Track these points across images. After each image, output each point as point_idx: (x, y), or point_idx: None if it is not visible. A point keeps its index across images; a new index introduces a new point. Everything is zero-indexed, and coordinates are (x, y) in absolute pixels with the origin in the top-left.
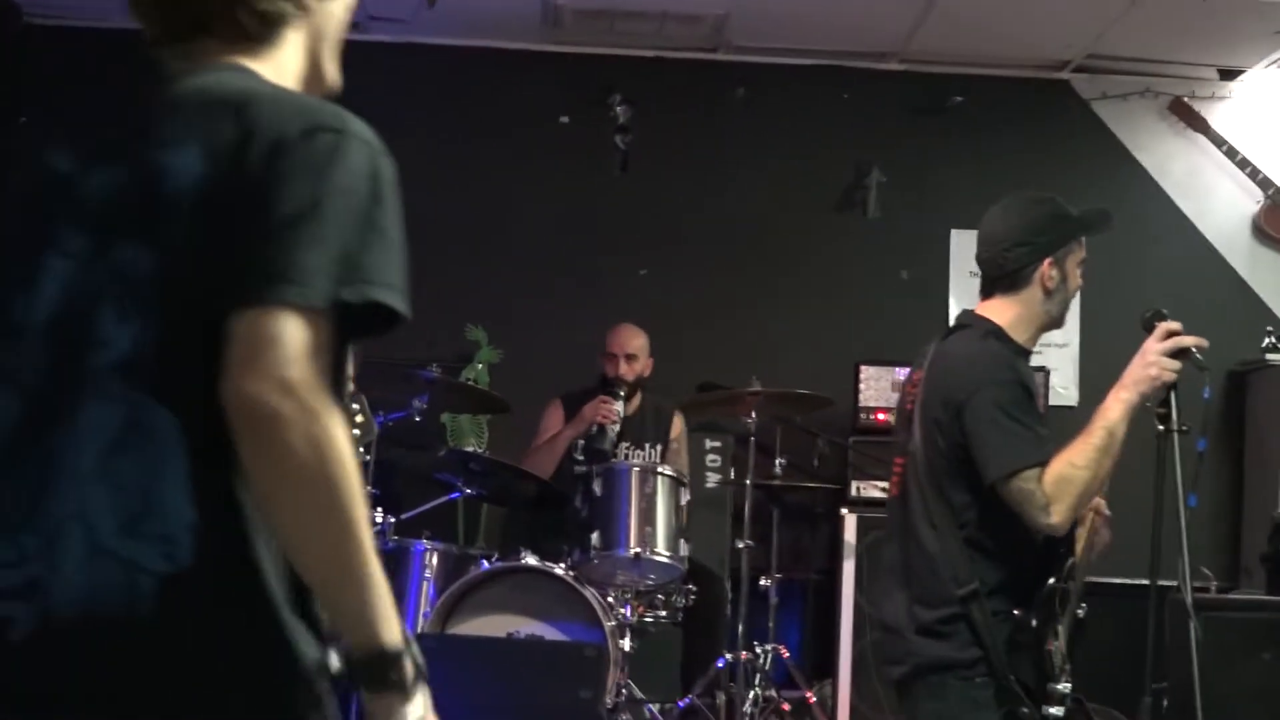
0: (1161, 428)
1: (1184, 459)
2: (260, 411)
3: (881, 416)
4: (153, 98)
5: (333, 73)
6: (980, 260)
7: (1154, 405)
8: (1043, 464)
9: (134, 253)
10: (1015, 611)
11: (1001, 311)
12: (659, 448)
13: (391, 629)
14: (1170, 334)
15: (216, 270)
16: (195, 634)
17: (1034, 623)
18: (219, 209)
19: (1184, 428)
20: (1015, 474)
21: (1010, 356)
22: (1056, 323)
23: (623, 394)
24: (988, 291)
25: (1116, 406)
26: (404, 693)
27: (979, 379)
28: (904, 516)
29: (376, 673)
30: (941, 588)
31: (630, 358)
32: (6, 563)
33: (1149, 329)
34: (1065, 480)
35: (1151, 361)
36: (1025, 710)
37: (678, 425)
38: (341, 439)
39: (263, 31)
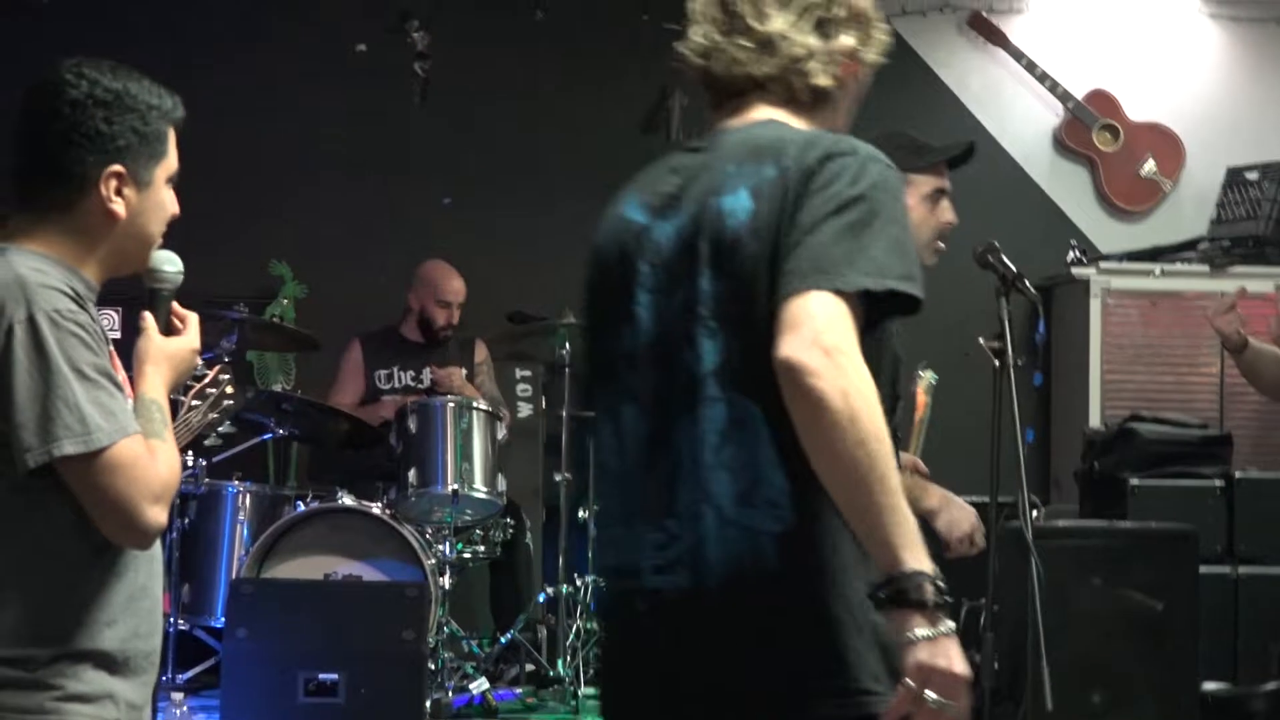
0: (997, 362)
1: (1020, 392)
2: (800, 368)
3: None
4: (707, 153)
5: (847, 119)
6: None
7: (989, 339)
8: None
9: (708, 280)
10: None
11: None
12: (463, 371)
13: (913, 554)
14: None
15: (772, 283)
16: (810, 581)
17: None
18: (768, 234)
19: (1019, 361)
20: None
21: None
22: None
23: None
24: None
25: None
26: (921, 611)
27: None
28: None
29: (896, 591)
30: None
31: (460, 304)
32: (660, 544)
33: (983, 263)
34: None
35: None
36: None
37: (481, 351)
38: (868, 392)
39: (811, 100)
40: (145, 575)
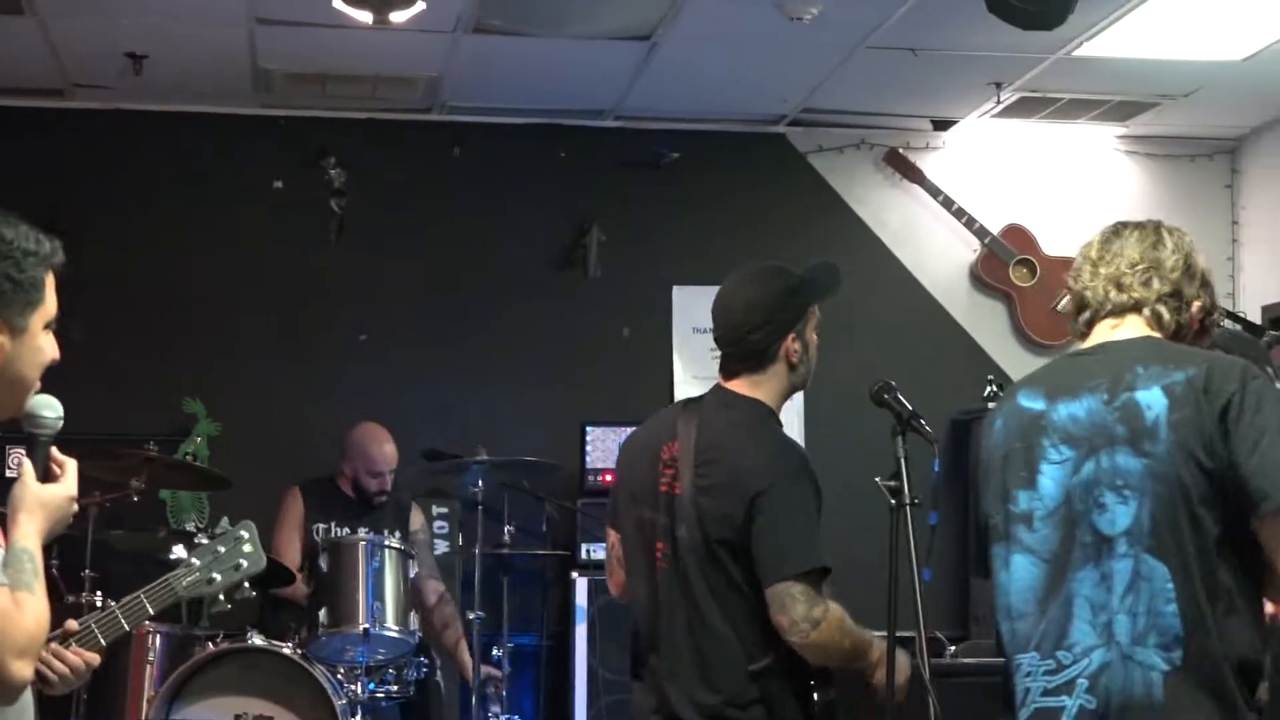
0: (893, 501)
1: (916, 532)
2: None
3: (608, 478)
4: (1112, 357)
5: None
6: (722, 341)
7: (885, 479)
8: (827, 570)
9: (1123, 456)
10: (811, 683)
11: (757, 388)
12: (397, 534)
13: None
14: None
15: (1199, 467)
16: (1190, 714)
17: (831, 696)
18: (1185, 428)
19: (915, 500)
20: (800, 575)
21: (802, 451)
22: (801, 387)
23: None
24: (732, 371)
25: None
26: None
27: (783, 470)
28: (684, 602)
29: None
30: (734, 669)
31: (393, 470)
32: (1051, 670)
33: (879, 402)
34: (842, 628)
35: None
36: None
37: (416, 519)
38: None
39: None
40: (17, 717)
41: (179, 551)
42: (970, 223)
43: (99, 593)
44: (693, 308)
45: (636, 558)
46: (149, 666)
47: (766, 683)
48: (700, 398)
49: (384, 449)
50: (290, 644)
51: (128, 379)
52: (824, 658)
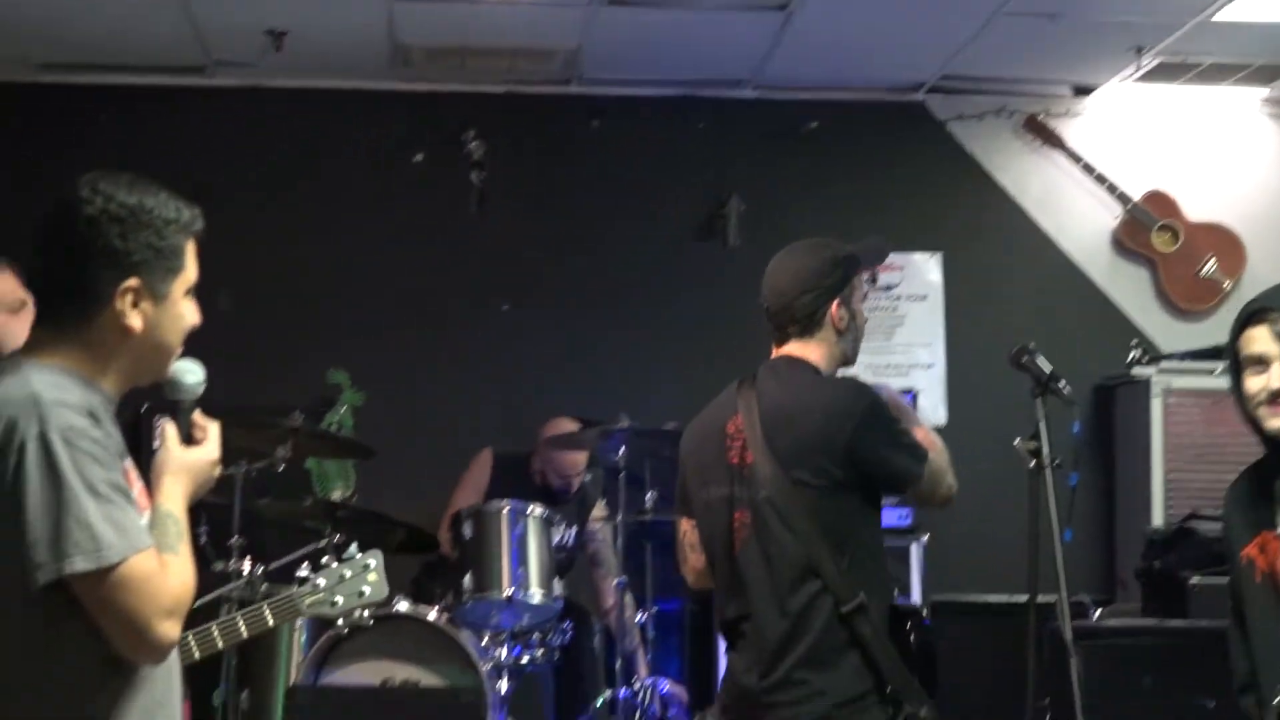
0: (1033, 463)
1: (1058, 493)
2: None
3: None
4: None
5: None
6: (769, 312)
7: (1025, 441)
8: (929, 449)
9: None
10: (908, 624)
11: (807, 353)
12: (574, 529)
13: None
14: None
15: None
16: None
17: (928, 636)
18: None
19: (1056, 462)
20: (925, 460)
21: (853, 379)
22: (851, 359)
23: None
24: (783, 338)
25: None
26: None
27: (861, 408)
28: (768, 569)
29: None
30: (825, 617)
31: (579, 474)
32: None
33: (1018, 365)
34: (944, 451)
35: None
36: (927, 713)
37: (598, 513)
38: None
39: None
40: (163, 688)
41: (304, 571)
42: (1112, 189)
43: (247, 560)
44: None
45: (713, 537)
46: (297, 632)
47: (859, 623)
48: (753, 373)
49: (573, 457)
50: (436, 609)
51: (273, 350)
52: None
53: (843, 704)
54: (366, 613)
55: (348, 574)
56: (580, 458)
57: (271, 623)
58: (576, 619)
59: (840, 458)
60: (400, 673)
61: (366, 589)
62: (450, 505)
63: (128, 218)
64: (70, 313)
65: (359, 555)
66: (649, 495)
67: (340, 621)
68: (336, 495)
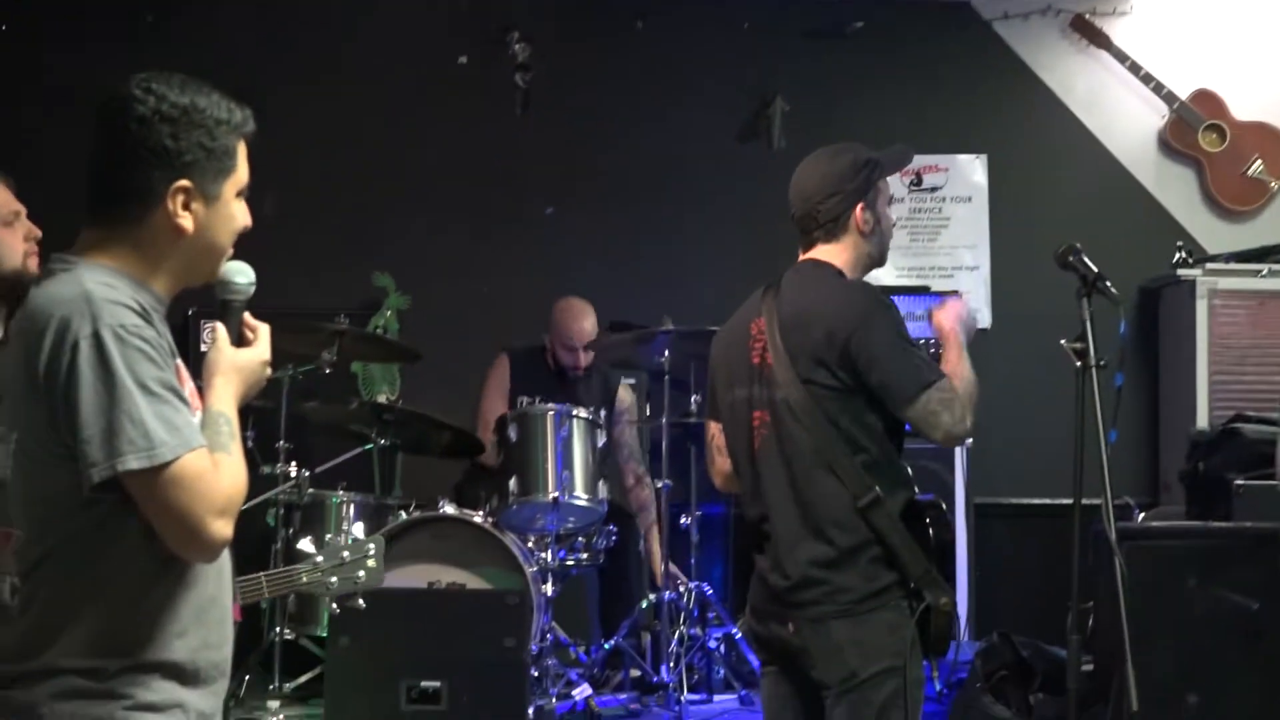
0: (1079, 363)
1: (1103, 394)
2: None
3: None
4: None
5: None
6: (795, 217)
7: (1070, 341)
8: (945, 378)
9: None
10: (927, 520)
11: (832, 256)
12: (602, 412)
13: None
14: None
15: None
16: None
17: (946, 536)
18: None
19: (1101, 362)
20: (928, 387)
21: (876, 289)
22: (879, 262)
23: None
24: (809, 242)
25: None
26: None
27: (863, 310)
28: (785, 467)
29: None
30: (845, 517)
31: (589, 346)
32: None
33: (1064, 264)
34: (969, 394)
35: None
36: (947, 600)
37: (625, 397)
38: None
39: None
40: (215, 586)
41: (307, 545)
42: (1158, 88)
43: (293, 464)
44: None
45: (736, 438)
46: (344, 536)
47: (876, 516)
48: (780, 277)
49: (579, 324)
50: (481, 513)
51: (318, 254)
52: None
53: (864, 598)
54: (361, 601)
55: (347, 555)
56: (587, 326)
57: (267, 595)
58: (621, 522)
59: (839, 359)
60: (446, 575)
61: (362, 574)
62: (478, 414)
63: (180, 118)
64: (121, 214)
65: (362, 539)
66: (693, 398)
67: (334, 606)
68: (382, 398)
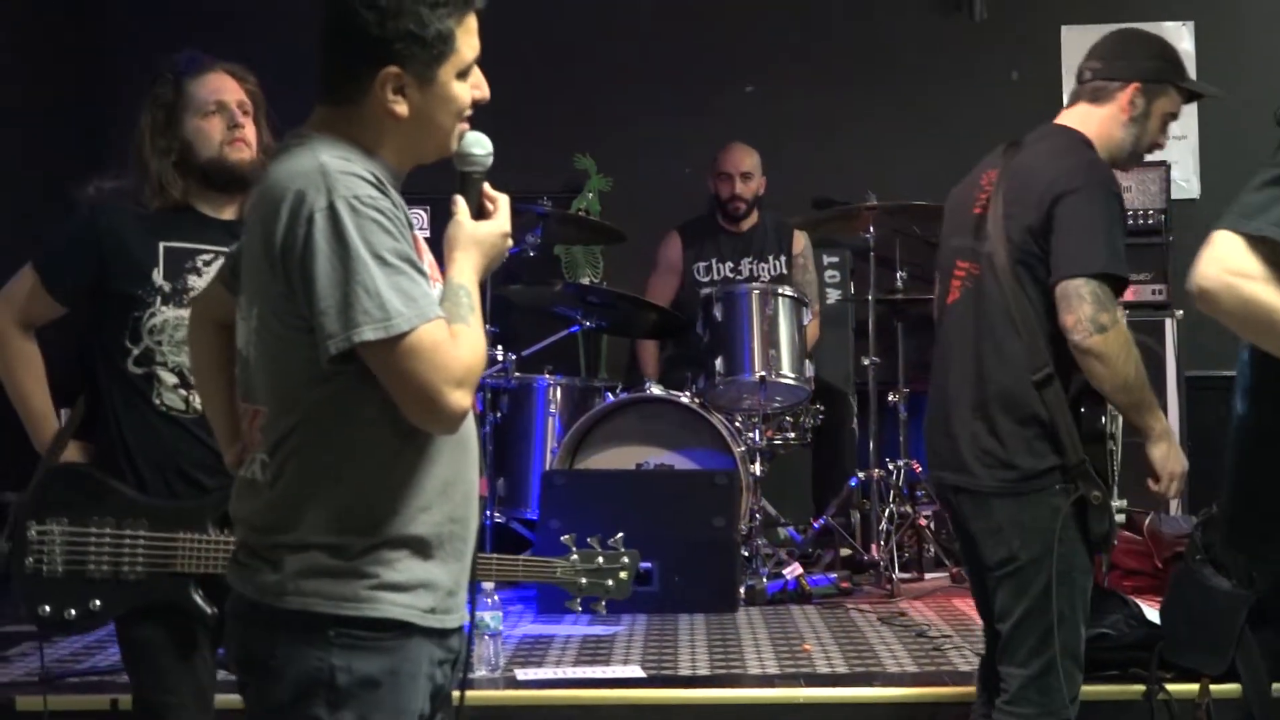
0: None
1: None
2: None
3: None
4: None
5: None
6: (1078, 72)
7: None
8: (1122, 282)
9: None
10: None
11: (1085, 123)
12: (782, 259)
13: None
14: None
15: None
16: None
17: (1099, 425)
18: None
19: None
20: (1093, 277)
21: (1109, 171)
22: (1127, 158)
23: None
24: (1073, 99)
25: None
26: None
27: (1085, 179)
28: (974, 322)
29: None
30: (1019, 389)
31: (745, 176)
32: None
33: None
34: (1129, 350)
35: None
36: (1098, 494)
37: (800, 241)
38: None
39: None
40: (458, 460)
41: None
42: None
43: (499, 347)
44: (1082, 49)
45: (940, 286)
46: (551, 419)
47: (1048, 394)
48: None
49: (731, 153)
50: (688, 393)
51: (519, 138)
52: (1103, 374)
53: (1028, 477)
54: (604, 607)
55: (600, 562)
56: (740, 155)
57: (522, 578)
58: (829, 401)
59: (1043, 221)
60: (654, 456)
61: (611, 583)
62: (647, 293)
63: (385, 5)
64: (340, 96)
65: (618, 551)
66: (899, 275)
67: (579, 605)
68: (585, 280)
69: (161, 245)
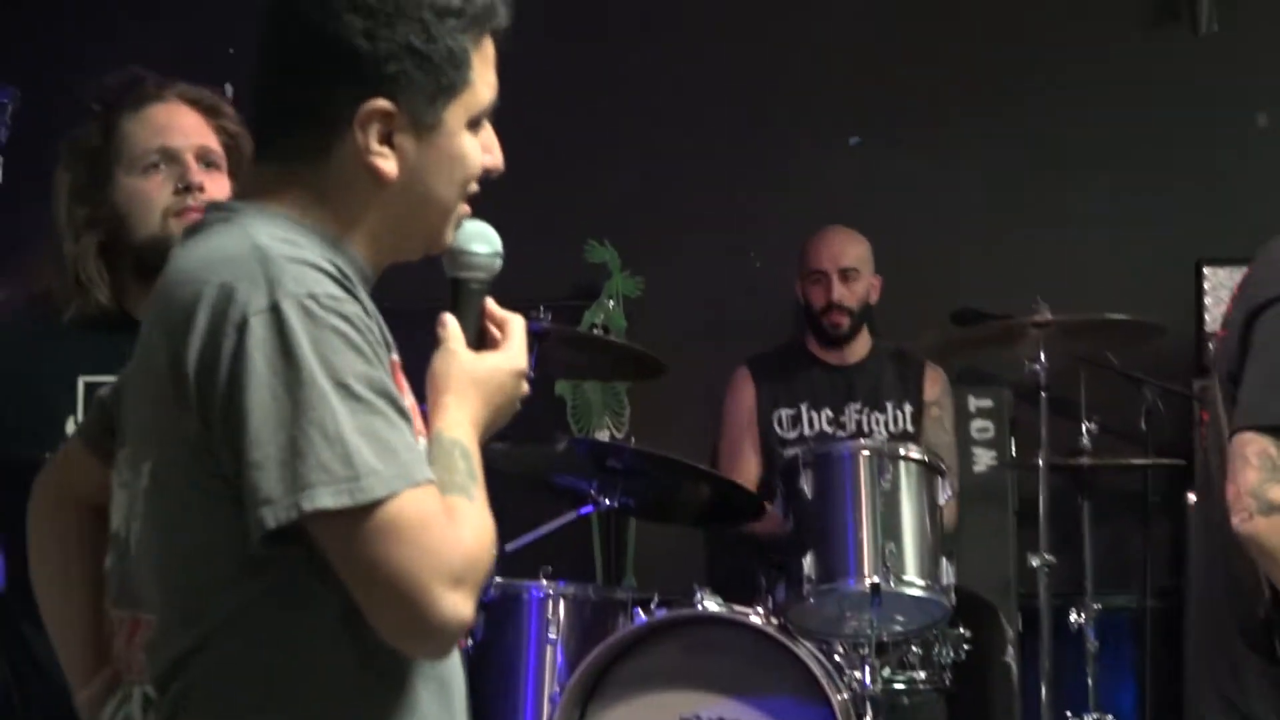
0: None
1: None
2: None
3: None
4: None
5: None
6: None
7: None
8: None
9: None
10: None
11: None
12: (907, 406)
13: None
14: None
15: None
16: None
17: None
18: None
19: None
20: (1271, 430)
21: None
22: None
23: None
24: None
25: None
26: None
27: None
28: (1207, 508)
29: None
30: (1248, 606)
31: (847, 274)
32: None
33: None
34: None
35: None
36: None
37: (934, 380)
38: None
39: None
40: (440, 699)
41: None
42: None
43: None
44: None
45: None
46: (550, 648)
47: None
48: None
49: (827, 241)
50: (760, 610)
51: (505, 213)
52: (1266, 562)
53: None
54: None
55: None
56: (840, 245)
57: None
58: (977, 622)
59: (1236, 353)
60: (708, 708)
61: None
62: (721, 463)
63: (379, 5)
64: (296, 144)
65: None
66: (1085, 426)
67: None
68: (603, 435)
69: (81, 381)
